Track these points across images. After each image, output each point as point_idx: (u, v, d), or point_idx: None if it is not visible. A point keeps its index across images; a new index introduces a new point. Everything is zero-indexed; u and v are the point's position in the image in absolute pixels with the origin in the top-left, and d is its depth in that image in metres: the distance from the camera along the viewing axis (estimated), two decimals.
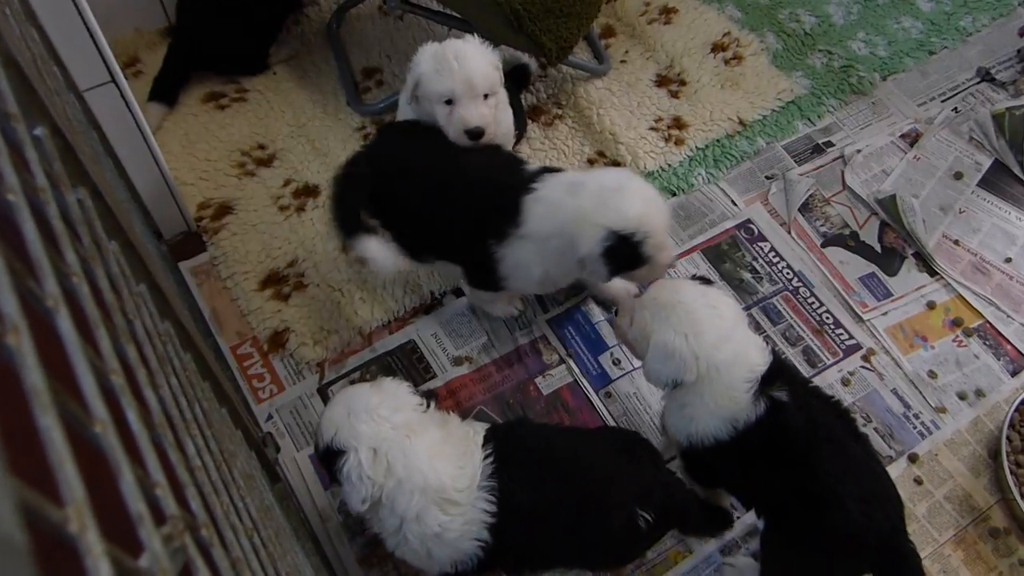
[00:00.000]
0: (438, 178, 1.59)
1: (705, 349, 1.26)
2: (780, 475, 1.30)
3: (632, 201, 1.41)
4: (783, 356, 1.46)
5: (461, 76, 1.60)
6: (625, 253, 1.41)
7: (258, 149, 2.15)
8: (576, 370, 1.78)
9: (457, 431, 1.29)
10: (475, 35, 1.69)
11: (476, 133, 1.64)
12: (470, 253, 1.62)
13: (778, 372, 1.31)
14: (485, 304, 1.83)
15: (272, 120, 2.21)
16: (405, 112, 1.83)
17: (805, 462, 1.27)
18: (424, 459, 1.20)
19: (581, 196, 1.43)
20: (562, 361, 1.79)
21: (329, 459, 1.22)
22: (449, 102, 1.63)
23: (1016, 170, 2.16)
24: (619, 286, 1.81)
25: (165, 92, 2.20)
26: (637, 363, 1.78)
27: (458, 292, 1.89)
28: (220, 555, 0.50)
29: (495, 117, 1.68)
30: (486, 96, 1.64)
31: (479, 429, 1.30)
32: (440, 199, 1.58)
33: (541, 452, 1.30)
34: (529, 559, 1.32)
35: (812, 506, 1.27)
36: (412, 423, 1.22)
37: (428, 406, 1.27)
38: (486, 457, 1.24)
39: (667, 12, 2.47)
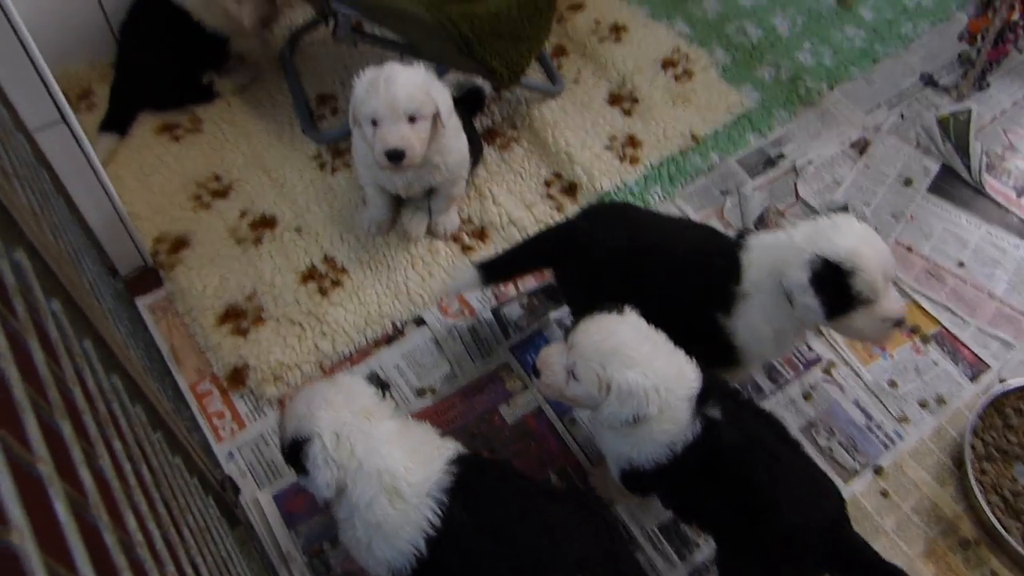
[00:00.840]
0: (649, 262, 1.54)
1: (663, 378, 1.26)
2: (717, 490, 1.32)
3: (845, 233, 1.38)
4: (710, 371, 1.50)
5: (385, 97, 1.60)
6: (833, 284, 1.36)
7: (214, 180, 2.12)
8: (540, 397, 1.77)
9: (417, 432, 1.32)
10: (423, 61, 1.70)
11: (396, 155, 1.63)
12: (700, 334, 1.55)
13: (709, 389, 1.32)
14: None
15: (227, 151, 2.19)
16: (355, 137, 1.83)
17: (740, 475, 1.29)
18: (382, 442, 1.24)
19: (795, 233, 1.43)
20: (525, 387, 1.79)
21: (294, 451, 1.25)
22: (375, 123, 1.64)
23: (964, 173, 2.21)
24: None
25: (115, 122, 2.17)
26: None
27: (419, 321, 1.88)
28: None
29: (421, 140, 1.66)
30: (413, 119, 1.64)
31: (450, 445, 1.32)
32: (655, 282, 1.54)
33: (501, 493, 1.30)
34: None
35: (751, 516, 1.29)
36: (370, 409, 1.27)
37: (384, 395, 1.32)
38: (447, 473, 1.26)
39: (617, 30, 2.49)
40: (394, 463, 1.23)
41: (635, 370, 1.25)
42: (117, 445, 0.73)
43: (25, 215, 0.84)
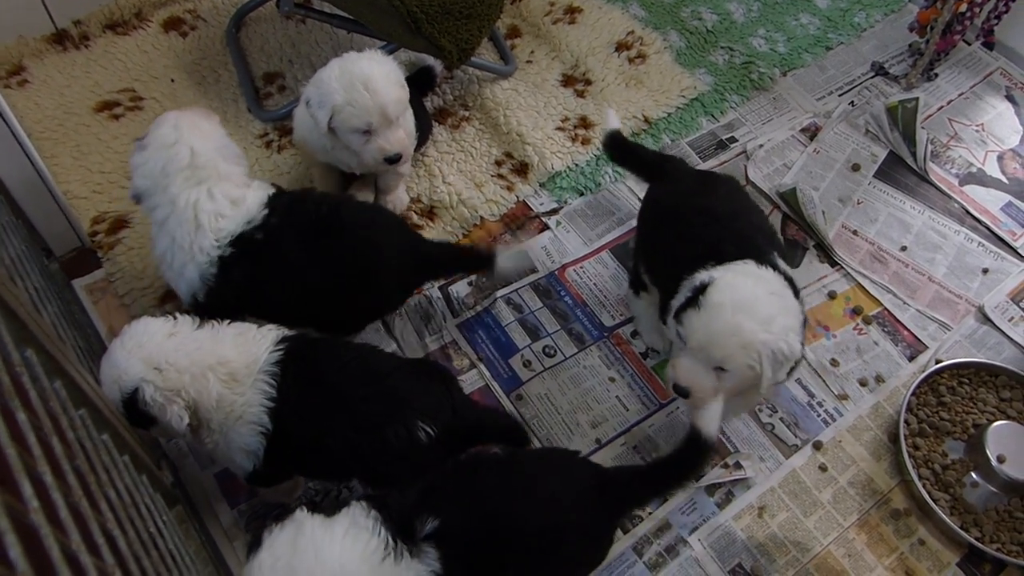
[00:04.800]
0: (689, 214, 1.57)
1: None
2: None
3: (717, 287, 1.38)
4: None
5: (376, 108, 1.61)
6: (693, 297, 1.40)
7: None
8: (487, 374, 1.76)
9: (233, 327, 1.35)
10: (375, 43, 1.67)
11: (395, 158, 1.67)
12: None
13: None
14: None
15: None
16: (299, 117, 1.80)
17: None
18: (202, 344, 1.27)
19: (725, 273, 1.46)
20: (473, 366, 1.78)
21: (132, 409, 1.23)
22: (369, 131, 1.64)
23: (909, 161, 2.25)
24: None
25: None
26: (548, 363, 1.79)
27: None
28: None
29: (409, 134, 1.73)
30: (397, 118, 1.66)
31: (265, 330, 1.36)
32: (685, 232, 1.55)
33: (335, 357, 1.36)
34: (311, 460, 1.37)
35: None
36: (167, 330, 1.28)
37: (175, 316, 1.32)
38: (275, 350, 1.31)
39: (572, 12, 2.48)
40: (222, 353, 1.27)
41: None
42: (22, 416, 0.70)
43: None
